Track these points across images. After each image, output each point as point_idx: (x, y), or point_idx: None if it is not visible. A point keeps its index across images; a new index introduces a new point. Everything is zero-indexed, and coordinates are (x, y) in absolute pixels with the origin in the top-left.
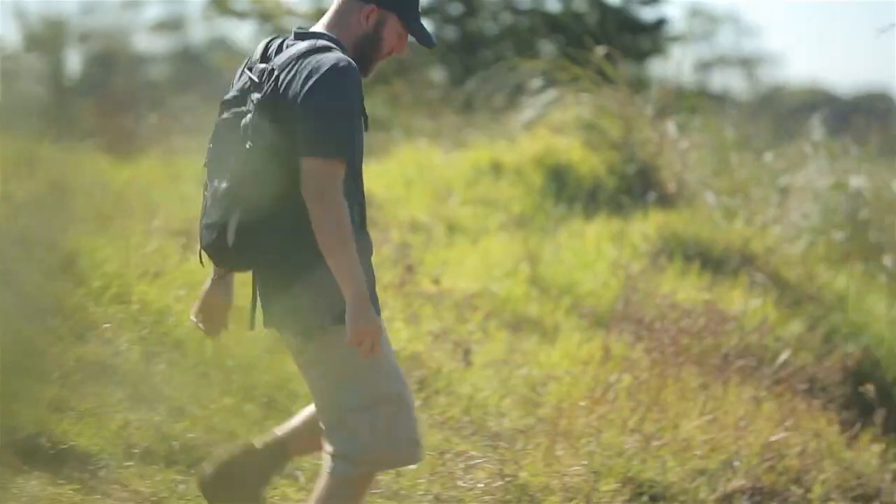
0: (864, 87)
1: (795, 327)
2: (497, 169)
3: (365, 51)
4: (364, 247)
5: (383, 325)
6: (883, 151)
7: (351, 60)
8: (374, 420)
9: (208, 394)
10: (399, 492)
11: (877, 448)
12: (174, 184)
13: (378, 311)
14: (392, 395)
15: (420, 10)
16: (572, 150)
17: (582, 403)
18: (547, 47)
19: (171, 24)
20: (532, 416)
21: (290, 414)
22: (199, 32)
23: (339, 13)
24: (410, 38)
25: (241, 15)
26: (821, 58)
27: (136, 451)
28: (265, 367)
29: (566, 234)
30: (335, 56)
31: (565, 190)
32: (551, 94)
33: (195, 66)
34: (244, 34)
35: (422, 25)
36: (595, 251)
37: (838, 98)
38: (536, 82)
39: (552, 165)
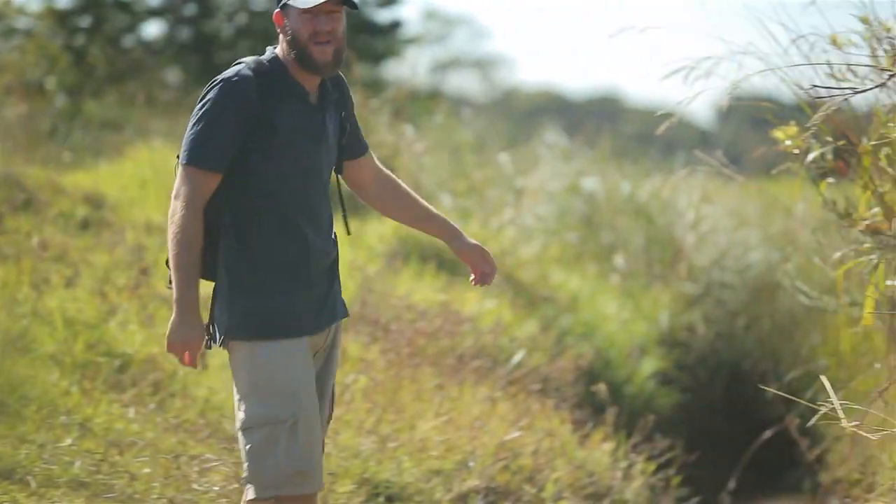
0: (595, 90)
1: (530, 328)
2: None
3: (295, 51)
4: (287, 255)
5: (296, 345)
6: (614, 153)
7: (238, 73)
8: (253, 443)
9: None
10: (133, 496)
11: (608, 446)
12: None
13: (309, 328)
14: (277, 418)
15: None
16: None
17: None
18: None
19: None
20: None
21: (21, 418)
22: None
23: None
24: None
25: None
26: (553, 61)
27: None
28: None
29: None
30: (223, 73)
31: None
32: None
33: None
34: None
35: None
36: None
37: (570, 101)
38: None
39: None
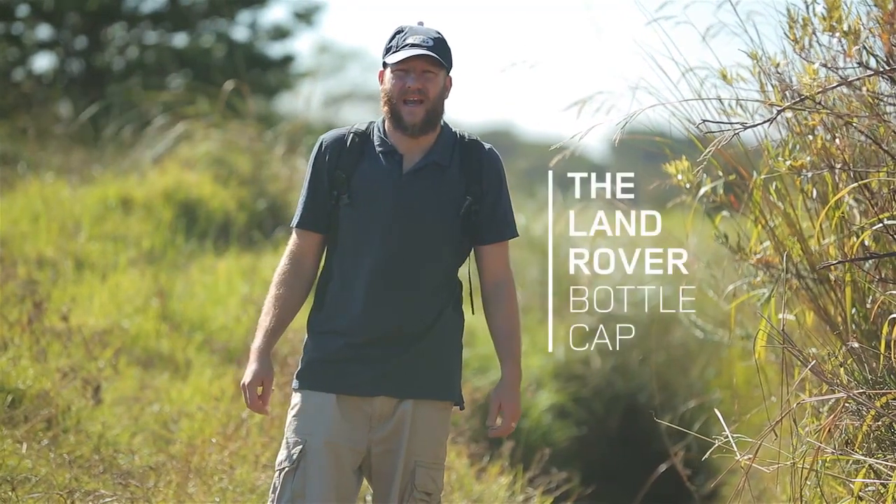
0: (488, 124)
1: None
2: (126, 204)
3: (387, 108)
4: (340, 312)
5: (317, 398)
6: (512, 188)
7: (327, 133)
8: (272, 484)
9: None
10: None
11: (505, 480)
12: None
13: (342, 387)
14: (282, 464)
15: (398, 41)
16: (202, 185)
17: (214, 440)
18: (176, 81)
19: None
20: (164, 453)
21: None
22: None
23: None
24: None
25: None
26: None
27: None
28: None
29: (197, 269)
30: None
31: (196, 225)
32: (180, 128)
33: None
34: None
35: (399, 51)
36: (226, 286)
37: None
38: (164, 117)
39: (182, 200)
